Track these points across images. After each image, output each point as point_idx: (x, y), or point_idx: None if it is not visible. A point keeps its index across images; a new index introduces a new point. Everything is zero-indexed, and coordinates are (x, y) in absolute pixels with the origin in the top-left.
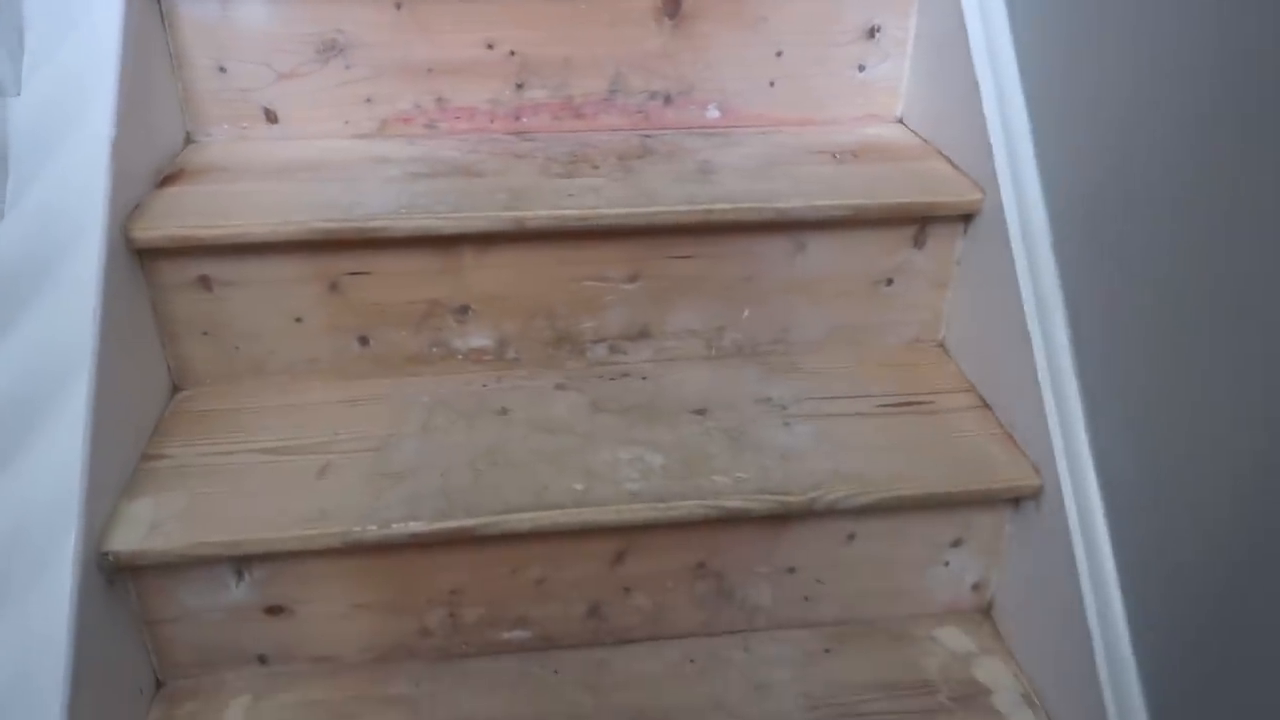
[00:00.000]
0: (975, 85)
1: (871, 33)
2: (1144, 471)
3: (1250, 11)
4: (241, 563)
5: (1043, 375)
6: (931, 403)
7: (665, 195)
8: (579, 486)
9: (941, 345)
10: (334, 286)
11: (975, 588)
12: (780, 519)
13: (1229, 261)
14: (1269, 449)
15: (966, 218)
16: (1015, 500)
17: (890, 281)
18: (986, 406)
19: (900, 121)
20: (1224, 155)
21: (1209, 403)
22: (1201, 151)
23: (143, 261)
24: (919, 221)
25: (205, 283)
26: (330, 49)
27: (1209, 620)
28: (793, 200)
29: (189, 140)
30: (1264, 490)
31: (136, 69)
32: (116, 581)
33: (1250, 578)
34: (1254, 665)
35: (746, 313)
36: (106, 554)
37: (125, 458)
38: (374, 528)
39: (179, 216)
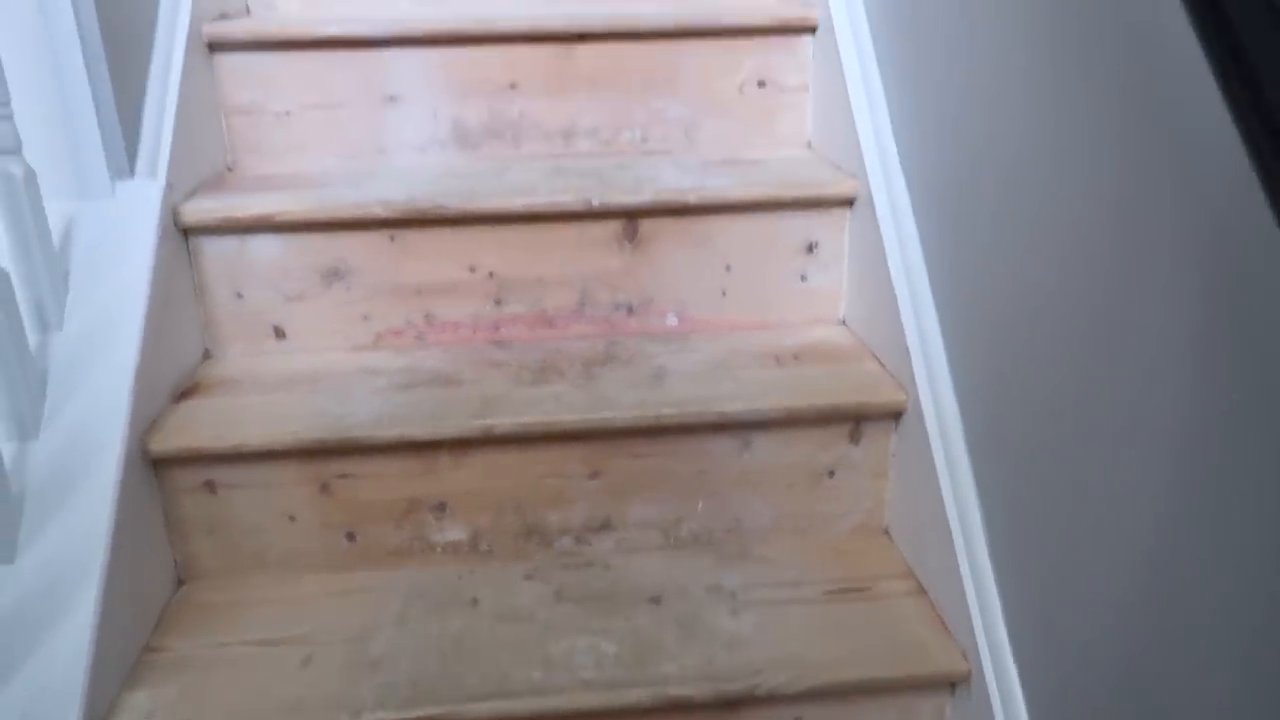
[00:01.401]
0: (894, 297)
1: (810, 248)
2: (1049, 649)
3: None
4: None
5: (964, 565)
6: (872, 589)
7: (620, 401)
8: (537, 675)
9: (886, 532)
10: (325, 488)
11: None
12: (728, 705)
13: (1106, 453)
14: (1152, 639)
15: (896, 415)
16: (951, 685)
17: (832, 474)
18: (923, 592)
19: (843, 323)
20: (1106, 360)
21: (1096, 587)
22: (1085, 356)
23: (156, 469)
24: (853, 420)
25: (211, 486)
26: (333, 275)
27: None
28: (735, 403)
29: (207, 356)
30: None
31: (163, 302)
32: None
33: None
34: None
35: (700, 505)
36: None
37: (128, 651)
38: (345, 717)
39: (190, 429)
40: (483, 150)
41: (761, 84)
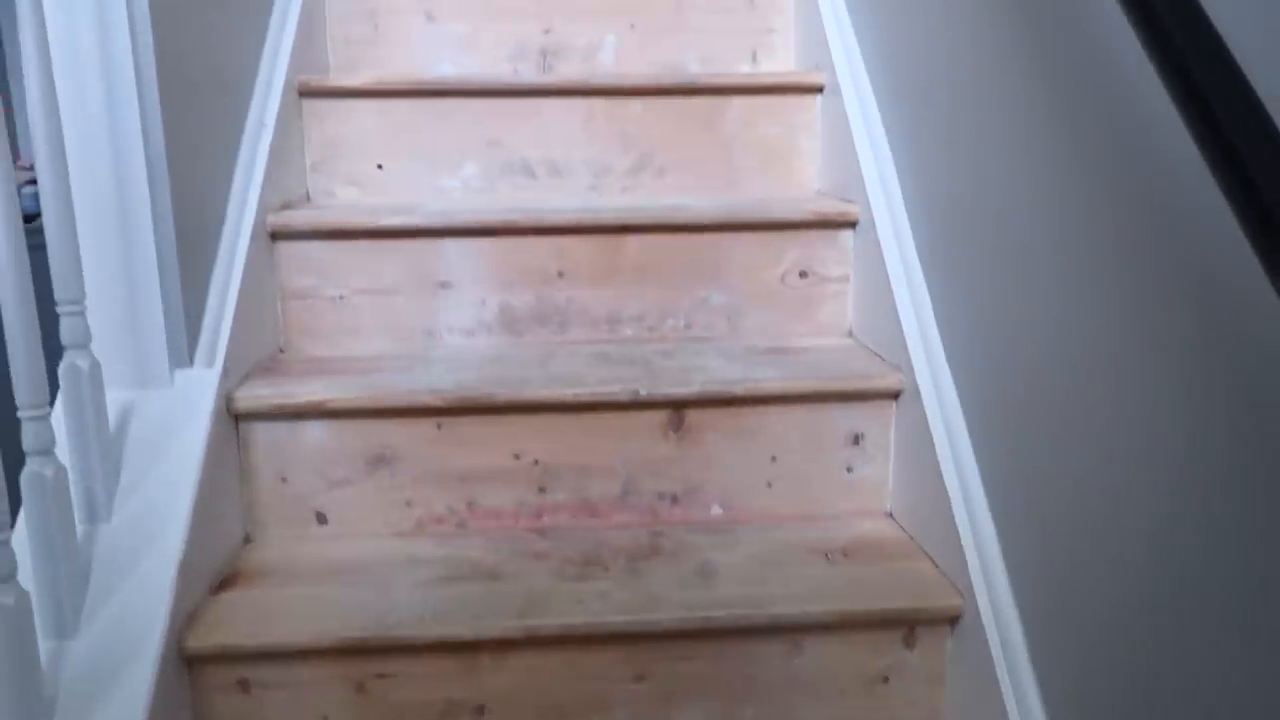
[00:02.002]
0: (945, 492)
1: (856, 440)
2: None
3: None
4: None
5: None
6: None
7: (667, 600)
8: None
9: None
10: (360, 687)
11: None
12: None
13: (1184, 666)
14: None
15: (952, 620)
16: None
17: (886, 680)
18: None
19: (890, 515)
20: (1175, 562)
21: None
22: (1150, 560)
23: (190, 666)
24: (907, 624)
25: (244, 685)
26: (378, 461)
27: None
28: (786, 605)
29: (248, 539)
30: None
31: (211, 490)
32: None
33: None
34: None
35: (750, 711)
36: None
37: None
38: None
39: (228, 626)
40: (529, 335)
41: (804, 274)
